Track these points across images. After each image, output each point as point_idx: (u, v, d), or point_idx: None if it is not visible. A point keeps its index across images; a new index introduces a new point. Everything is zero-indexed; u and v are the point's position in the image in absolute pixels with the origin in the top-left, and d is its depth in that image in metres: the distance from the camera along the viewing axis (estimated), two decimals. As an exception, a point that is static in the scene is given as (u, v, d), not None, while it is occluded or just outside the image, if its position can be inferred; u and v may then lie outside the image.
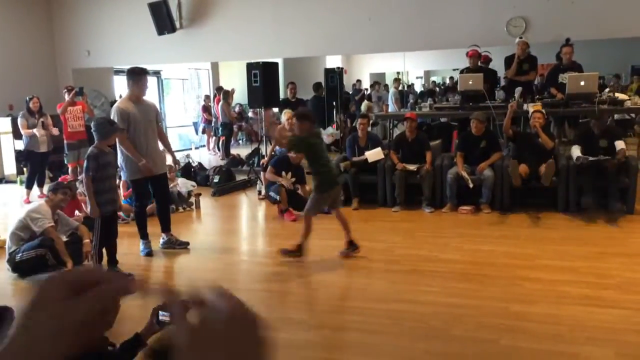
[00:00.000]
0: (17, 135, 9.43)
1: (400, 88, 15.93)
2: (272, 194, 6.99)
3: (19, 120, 8.40)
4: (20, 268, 4.83)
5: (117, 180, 5.78)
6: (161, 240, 5.71)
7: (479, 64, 8.48)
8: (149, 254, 5.50)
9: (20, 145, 9.09)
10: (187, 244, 5.72)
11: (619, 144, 6.37)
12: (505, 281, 4.35)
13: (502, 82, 9.34)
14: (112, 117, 5.29)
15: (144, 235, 5.56)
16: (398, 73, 17.65)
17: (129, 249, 5.45)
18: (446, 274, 4.66)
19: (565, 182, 6.48)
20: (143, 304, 2.31)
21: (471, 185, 6.60)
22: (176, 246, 5.68)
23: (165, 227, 5.70)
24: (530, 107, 7.18)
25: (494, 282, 4.38)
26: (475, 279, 4.52)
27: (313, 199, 5.14)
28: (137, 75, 5.32)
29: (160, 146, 5.67)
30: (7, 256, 4.96)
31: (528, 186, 6.43)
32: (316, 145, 5.04)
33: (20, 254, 4.82)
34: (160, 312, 2.37)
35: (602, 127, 6.62)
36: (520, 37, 8.13)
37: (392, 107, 13.59)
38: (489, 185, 6.64)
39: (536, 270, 4.60)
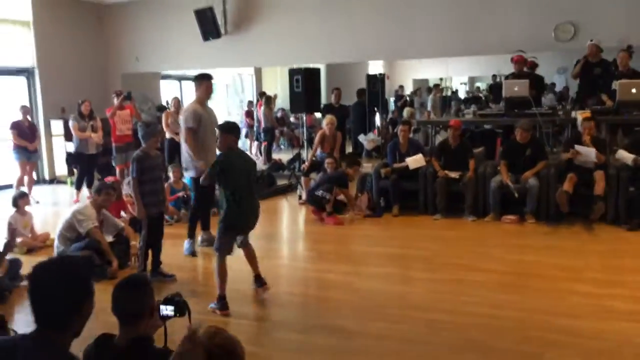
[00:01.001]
0: (68, 137, 9.77)
1: (439, 95, 15.74)
2: (321, 192, 7.00)
3: (71, 123, 8.70)
4: None
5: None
6: (200, 239, 5.84)
7: (525, 69, 8.31)
8: (193, 253, 5.63)
9: (70, 147, 9.42)
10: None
11: None
12: (549, 293, 4.24)
13: (559, 88, 9.05)
14: (185, 118, 5.53)
15: (191, 234, 5.71)
16: (441, 79, 17.47)
17: (171, 250, 5.56)
18: (488, 284, 4.58)
19: (615, 193, 6.26)
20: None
21: (516, 195, 6.46)
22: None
23: (206, 226, 5.87)
24: (578, 115, 6.99)
25: (537, 294, 4.27)
26: (518, 290, 4.42)
27: (218, 235, 4.28)
28: (202, 80, 5.64)
29: None
30: (57, 254, 5.12)
31: (576, 194, 6.23)
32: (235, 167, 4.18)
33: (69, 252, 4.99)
34: (162, 306, 2.40)
35: None
36: (591, 40, 7.81)
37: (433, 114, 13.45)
38: (534, 195, 6.48)
39: (582, 283, 4.47)
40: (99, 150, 8.84)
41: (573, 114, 7.21)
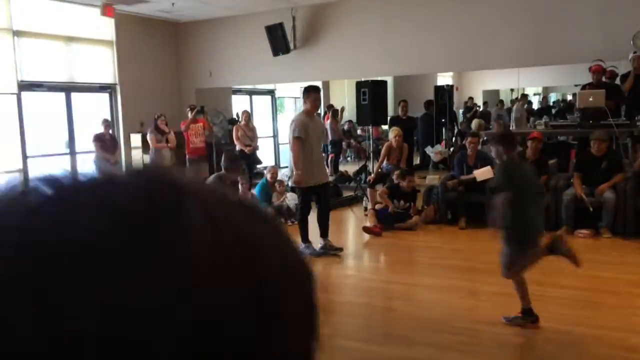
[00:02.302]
0: (145, 149, 10.29)
1: (525, 105, 15.24)
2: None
3: (149, 136, 9.19)
4: None
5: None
6: (319, 245, 6.04)
7: (604, 79, 7.99)
8: (315, 255, 5.83)
9: (147, 159, 9.91)
10: (341, 249, 6.03)
11: None
12: (625, 311, 4.06)
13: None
14: (293, 128, 5.75)
15: (304, 239, 5.96)
16: (512, 90, 17.03)
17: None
18: (559, 299, 4.43)
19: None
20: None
21: (590, 208, 6.21)
22: (330, 251, 5.98)
23: (324, 233, 6.08)
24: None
25: (612, 311, 4.10)
26: (591, 306, 4.26)
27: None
28: (310, 92, 5.88)
29: None
30: None
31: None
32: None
33: None
34: None
35: None
36: (635, 52, 7.53)
37: (515, 125, 13.06)
38: (610, 208, 6.21)
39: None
40: (172, 162, 9.25)
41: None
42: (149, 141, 9.16)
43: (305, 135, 5.65)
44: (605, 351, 3.47)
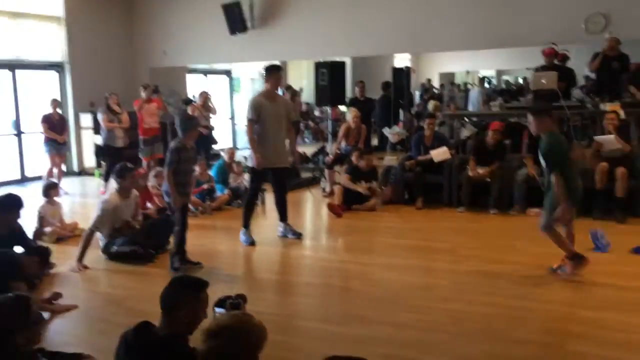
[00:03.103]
0: (96, 130, 9.97)
1: (482, 88, 15.48)
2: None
3: (100, 116, 8.87)
4: (116, 258, 5.16)
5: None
6: (279, 230, 5.95)
7: (556, 62, 8.17)
8: (252, 243, 5.69)
9: (99, 140, 9.61)
10: (301, 234, 5.94)
11: None
12: (574, 285, 4.20)
13: (584, 82, 8.93)
14: (247, 109, 5.58)
15: (247, 224, 5.80)
16: (468, 72, 17.29)
17: (198, 241, 5.65)
18: (511, 276, 4.54)
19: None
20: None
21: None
22: (290, 235, 5.90)
23: (283, 217, 5.97)
24: (607, 107, 6.87)
25: (562, 286, 4.23)
26: (542, 282, 4.38)
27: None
28: (272, 72, 5.70)
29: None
30: (103, 247, 5.28)
31: (604, 190, 6.15)
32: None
33: (115, 247, 5.16)
34: (216, 309, 2.49)
35: None
36: (610, 33, 7.70)
37: (476, 107, 13.23)
38: (561, 188, 6.38)
39: (608, 275, 4.40)
40: (126, 143, 8.99)
41: (602, 106, 7.08)
42: (100, 121, 8.85)
43: (257, 117, 5.51)
44: (555, 325, 3.58)
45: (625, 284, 4.23)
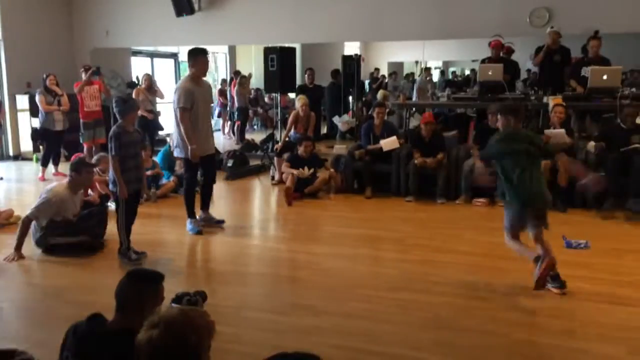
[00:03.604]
0: (33, 113, 9.49)
1: (429, 77, 15.68)
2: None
3: (37, 97, 8.45)
4: (53, 249, 4.86)
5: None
6: (199, 217, 5.78)
7: (501, 55, 8.35)
8: (199, 232, 5.56)
9: (36, 123, 9.15)
10: (223, 221, 5.83)
11: None
12: (518, 275, 4.29)
13: (527, 75, 9.18)
14: (177, 97, 5.28)
15: (192, 214, 5.63)
16: (416, 62, 17.52)
17: (149, 229, 5.47)
18: (458, 265, 4.62)
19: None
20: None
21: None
22: (213, 223, 5.78)
23: (206, 205, 5.84)
24: (550, 100, 7.07)
25: (506, 276, 4.33)
26: (487, 271, 4.48)
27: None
28: (196, 55, 5.40)
29: None
30: (37, 239, 4.93)
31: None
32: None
33: (55, 239, 4.85)
34: (173, 305, 2.40)
35: (633, 121, 6.45)
36: (552, 27, 7.93)
37: (417, 96, 13.39)
38: (505, 178, 6.55)
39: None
40: (65, 126, 8.60)
41: (545, 99, 7.29)
42: (38, 103, 8.42)
43: (190, 104, 5.27)
44: (502, 314, 3.66)
45: (566, 272, 4.36)
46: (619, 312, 3.65)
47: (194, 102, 5.30)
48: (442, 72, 20.21)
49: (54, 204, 4.89)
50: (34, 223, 4.93)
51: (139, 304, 2.20)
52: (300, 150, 7.32)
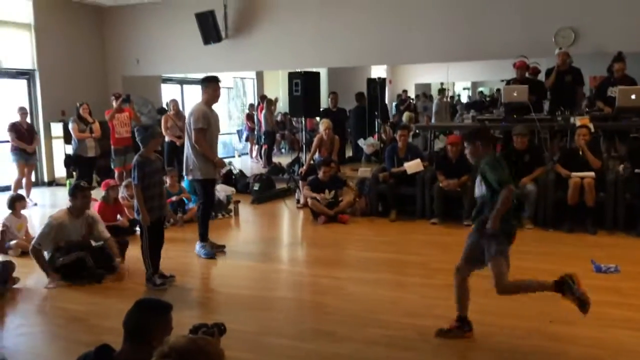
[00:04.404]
0: (67, 140, 9.79)
1: (445, 99, 15.70)
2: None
3: (71, 125, 8.73)
4: (60, 271, 4.91)
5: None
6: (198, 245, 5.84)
7: (527, 75, 8.28)
8: (212, 256, 5.62)
9: (69, 150, 9.43)
10: (224, 246, 5.86)
11: None
12: (545, 300, 4.17)
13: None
14: (195, 119, 5.41)
15: (206, 237, 5.71)
16: (442, 84, 17.48)
17: (174, 253, 5.55)
18: (482, 290, 4.51)
19: (613, 199, 6.23)
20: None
21: (515, 201, 6.41)
22: (215, 250, 5.81)
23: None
24: (577, 121, 6.96)
25: (533, 301, 4.21)
26: (514, 297, 4.36)
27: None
28: (208, 82, 5.60)
29: None
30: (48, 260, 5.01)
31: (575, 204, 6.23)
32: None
33: (60, 259, 4.91)
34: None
35: None
36: (560, 48, 7.89)
37: (435, 119, 13.40)
38: (532, 200, 6.45)
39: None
40: (97, 153, 8.84)
41: (572, 119, 7.18)
42: (71, 131, 8.71)
43: (207, 126, 5.45)
44: (528, 341, 3.58)
45: (595, 298, 4.25)
46: (650, 340, 3.54)
47: (209, 124, 5.46)
48: (457, 94, 20.08)
49: (54, 229, 4.92)
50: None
51: (148, 334, 2.19)
52: (320, 174, 7.35)
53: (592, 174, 6.20)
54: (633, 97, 6.87)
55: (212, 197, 5.83)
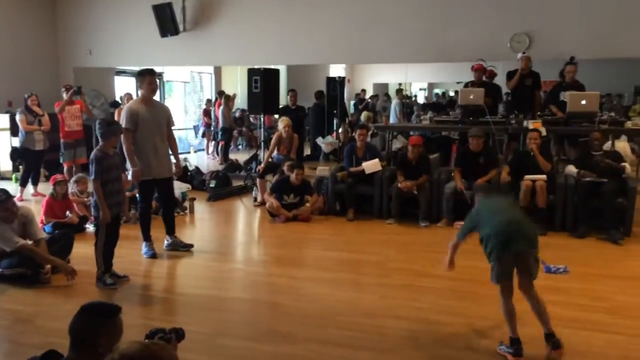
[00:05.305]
0: (14, 132, 9.39)
1: (403, 100, 15.88)
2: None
3: (18, 116, 8.36)
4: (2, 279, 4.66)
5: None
6: (165, 242, 5.73)
7: (484, 78, 8.45)
8: (153, 255, 5.47)
9: (16, 142, 9.05)
10: (191, 246, 5.75)
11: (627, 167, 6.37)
12: (497, 300, 4.27)
13: (506, 98, 9.32)
14: (122, 117, 5.28)
15: (147, 237, 5.55)
16: (400, 84, 17.67)
17: (125, 252, 5.38)
18: (438, 290, 4.60)
19: (563, 202, 6.42)
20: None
21: (469, 201, 6.52)
22: (180, 248, 5.70)
23: (170, 230, 5.75)
24: (530, 124, 7.15)
25: (486, 301, 4.30)
26: (467, 296, 4.46)
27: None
28: (142, 76, 5.36)
29: None
30: None
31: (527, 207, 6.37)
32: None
33: (1, 269, 4.66)
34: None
35: (601, 145, 6.55)
36: (524, 52, 8.14)
37: (393, 119, 13.54)
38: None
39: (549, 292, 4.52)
40: (46, 146, 8.51)
41: (525, 123, 7.37)
42: (19, 122, 8.34)
43: (134, 125, 5.20)
44: (480, 341, 3.64)
45: (543, 298, 4.36)
46: (596, 340, 3.65)
47: (138, 122, 5.23)
48: (414, 95, 20.38)
49: None
50: None
51: (94, 340, 2.08)
52: (292, 177, 7.18)
53: (543, 176, 6.37)
54: (583, 102, 7.11)
55: (146, 198, 5.60)
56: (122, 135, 5.10)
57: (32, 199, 8.25)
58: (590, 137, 6.55)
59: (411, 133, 9.48)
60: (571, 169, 6.55)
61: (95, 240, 4.68)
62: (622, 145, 9.14)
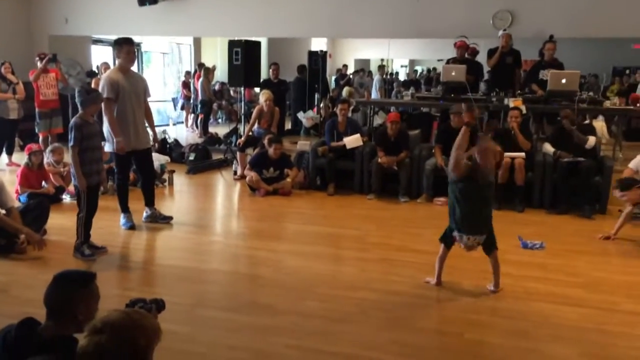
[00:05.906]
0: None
1: (384, 76, 15.84)
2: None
3: (-10, 86, 8.13)
4: None
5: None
6: (144, 214, 5.68)
7: (466, 55, 8.44)
8: (132, 227, 5.42)
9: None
10: (171, 218, 5.71)
11: (592, 139, 6.42)
12: (473, 275, 4.34)
13: (487, 76, 9.32)
14: (101, 87, 5.16)
15: (125, 209, 5.49)
16: (382, 60, 17.60)
17: (104, 223, 5.31)
18: (417, 264, 4.64)
19: (541, 179, 6.50)
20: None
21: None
22: (159, 220, 5.65)
23: (149, 201, 5.68)
24: (510, 102, 7.18)
25: (462, 275, 4.37)
26: (444, 271, 4.50)
27: None
28: (120, 45, 5.25)
29: None
30: None
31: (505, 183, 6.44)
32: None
33: None
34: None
35: (574, 122, 6.60)
36: (504, 30, 8.13)
37: (375, 94, 13.51)
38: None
39: (505, 265, 4.55)
40: (20, 115, 8.31)
41: (506, 101, 7.40)
42: (-9, 91, 8.11)
43: (115, 95, 5.13)
44: (457, 314, 3.69)
45: (520, 273, 4.45)
46: (571, 313, 3.73)
47: (119, 92, 5.15)
48: (395, 72, 20.34)
49: None
50: None
51: (71, 309, 2.05)
52: (270, 151, 7.14)
53: (522, 154, 6.43)
54: (564, 81, 7.16)
55: (124, 170, 5.50)
56: (103, 105, 5.00)
57: (7, 169, 8.08)
58: (561, 114, 6.59)
59: (391, 109, 9.46)
60: (547, 147, 6.61)
61: (77, 211, 4.61)
62: (600, 125, 9.27)
